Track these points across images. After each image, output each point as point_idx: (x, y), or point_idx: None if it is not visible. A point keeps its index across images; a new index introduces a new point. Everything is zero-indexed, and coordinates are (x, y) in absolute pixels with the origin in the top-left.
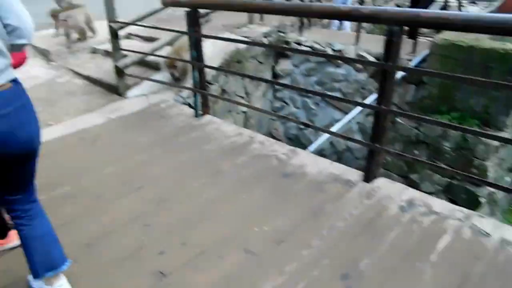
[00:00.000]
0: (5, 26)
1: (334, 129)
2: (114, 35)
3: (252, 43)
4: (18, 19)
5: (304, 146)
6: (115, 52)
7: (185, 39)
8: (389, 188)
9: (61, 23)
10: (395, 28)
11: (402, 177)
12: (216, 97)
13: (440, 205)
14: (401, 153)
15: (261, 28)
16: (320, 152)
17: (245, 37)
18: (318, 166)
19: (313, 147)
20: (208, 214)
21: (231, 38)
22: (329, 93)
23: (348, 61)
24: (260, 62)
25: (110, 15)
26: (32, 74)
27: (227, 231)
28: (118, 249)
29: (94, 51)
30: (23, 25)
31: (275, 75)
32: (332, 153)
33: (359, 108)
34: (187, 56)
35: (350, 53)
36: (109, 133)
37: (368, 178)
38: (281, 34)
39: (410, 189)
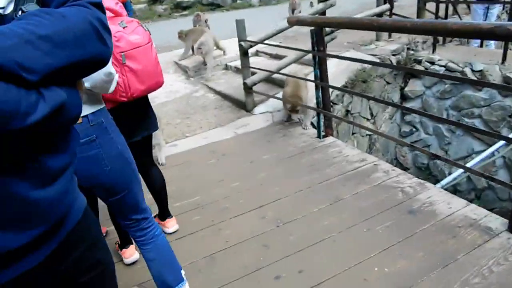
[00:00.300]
0: None
1: (472, 163)
2: (244, 53)
3: (377, 64)
4: None
5: (435, 179)
6: (244, 69)
7: (299, 82)
8: None
9: (197, 51)
10: None
11: None
12: (340, 119)
13: None
14: None
15: (389, 45)
16: (454, 188)
17: (372, 55)
18: (451, 206)
19: (445, 181)
20: (327, 243)
21: (356, 58)
22: (467, 120)
23: (491, 86)
24: (388, 82)
25: (241, 34)
26: (174, 88)
27: (346, 265)
28: (238, 266)
29: (226, 67)
30: None
31: (404, 97)
32: (469, 190)
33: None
34: (304, 94)
35: (495, 74)
36: (236, 148)
37: None
38: (411, 52)
39: None
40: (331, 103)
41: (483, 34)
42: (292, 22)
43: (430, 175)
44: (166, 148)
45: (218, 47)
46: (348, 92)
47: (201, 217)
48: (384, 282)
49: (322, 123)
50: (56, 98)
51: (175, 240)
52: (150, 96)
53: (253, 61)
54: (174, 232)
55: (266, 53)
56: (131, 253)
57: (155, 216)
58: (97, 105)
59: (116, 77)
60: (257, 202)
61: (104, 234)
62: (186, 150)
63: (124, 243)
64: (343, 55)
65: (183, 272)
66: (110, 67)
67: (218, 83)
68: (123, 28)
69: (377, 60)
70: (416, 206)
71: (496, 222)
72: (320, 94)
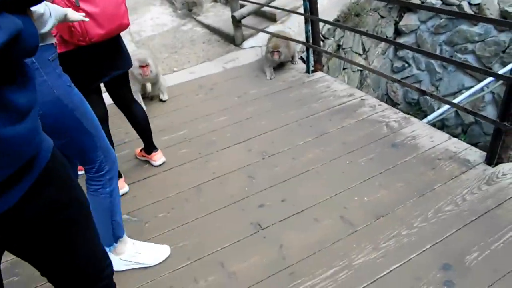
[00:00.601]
0: None
1: (461, 98)
2: None
3: None
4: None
5: (424, 114)
6: (233, 1)
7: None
8: None
9: None
10: None
11: None
12: (329, 54)
13: None
14: None
15: None
16: (442, 123)
17: None
18: (433, 140)
19: (432, 116)
20: (310, 174)
21: None
22: (460, 55)
23: (485, 21)
24: (382, 16)
25: None
26: (161, 21)
27: (327, 195)
28: (224, 196)
29: (216, 0)
30: None
31: (398, 32)
32: (456, 124)
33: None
34: (286, 47)
35: (492, 8)
36: (224, 83)
37: (491, 161)
38: None
39: None
40: (322, 38)
41: None
42: None
43: (419, 110)
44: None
45: None
46: (339, 27)
47: (188, 150)
48: (362, 210)
49: (311, 58)
50: (11, 26)
51: (162, 171)
52: (135, 28)
53: None
54: (162, 164)
55: None
56: (121, 186)
57: (141, 150)
58: None
59: (46, 17)
60: (244, 136)
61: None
62: (174, 85)
63: None
64: None
65: (127, 241)
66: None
67: (207, 16)
68: None
69: None
70: (399, 140)
71: (475, 155)
72: (310, 28)
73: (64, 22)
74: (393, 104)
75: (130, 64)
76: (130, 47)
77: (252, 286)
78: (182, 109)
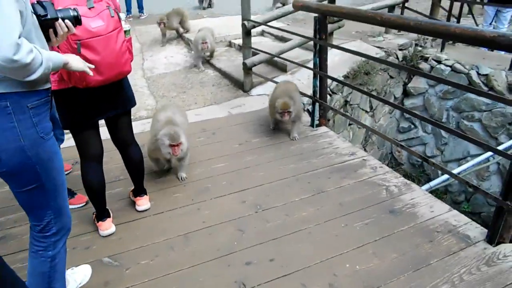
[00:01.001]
0: None
1: (463, 167)
2: (246, 33)
3: (379, 60)
4: None
5: (428, 177)
6: (245, 49)
7: (288, 86)
8: None
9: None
10: None
11: None
12: (334, 110)
13: None
14: None
15: (397, 39)
16: (446, 188)
17: (378, 47)
18: (433, 210)
19: (433, 183)
20: (302, 234)
21: (356, 51)
22: (466, 123)
23: (490, 97)
24: (391, 77)
25: (245, 13)
26: (174, 60)
27: (318, 259)
28: (211, 248)
29: (230, 44)
30: None
31: (406, 93)
32: (460, 191)
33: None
34: (297, 97)
35: (500, 80)
36: (227, 128)
37: (492, 240)
38: (419, 48)
39: None
40: (330, 92)
41: (485, 42)
42: (297, 7)
43: (423, 173)
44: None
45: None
46: (346, 85)
47: (181, 195)
48: (352, 279)
49: (317, 112)
50: None
51: (152, 215)
52: (149, 65)
53: (258, 40)
54: (145, 210)
55: (271, 34)
56: (107, 227)
57: (131, 190)
58: (4, 87)
59: (35, 66)
60: (240, 186)
61: (84, 203)
62: None
63: (100, 216)
64: (349, 44)
65: None
66: (16, 53)
67: (220, 60)
68: (89, 8)
69: (383, 53)
70: (398, 206)
71: (475, 231)
72: (318, 83)
73: (64, 69)
74: (397, 163)
75: (131, 105)
76: (141, 82)
77: None
78: None
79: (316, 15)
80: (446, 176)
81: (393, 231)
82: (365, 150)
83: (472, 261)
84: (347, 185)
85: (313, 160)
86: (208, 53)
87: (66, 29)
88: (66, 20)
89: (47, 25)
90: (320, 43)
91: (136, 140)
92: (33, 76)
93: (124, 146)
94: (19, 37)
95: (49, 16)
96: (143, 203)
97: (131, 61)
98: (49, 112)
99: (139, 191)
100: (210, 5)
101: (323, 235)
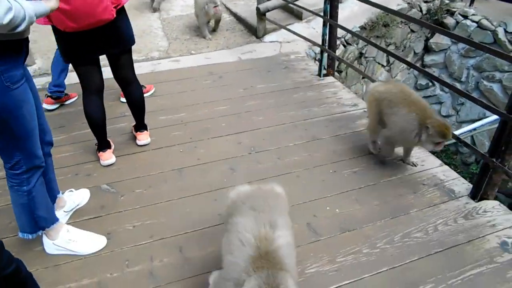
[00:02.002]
0: None
1: (472, 127)
2: None
3: (396, 13)
4: None
5: None
6: None
7: None
8: (498, 216)
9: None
10: None
11: None
12: (341, 61)
13: None
14: None
15: None
16: (456, 149)
17: None
18: (424, 164)
19: None
20: (290, 177)
21: (372, 2)
22: (486, 83)
23: (495, 54)
24: (412, 30)
25: None
26: (191, 2)
27: (301, 200)
28: (202, 183)
29: None
30: None
31: (427, 48)
32: (470, 153)
33: None
34: None
35: None
36: (235, 73)
37: (475, 196)
38: (446, 1)
39: None
40: (345, 43)
41: None
42: None
43: None
44: (167, 63)
45: None
46: (358, 37)
47: (181, 133)
48: (331, 221)
49: (325, 61)
50: None
51: (151, 149)
52: (166, 6)
53: None
54: (145, 145)
55: None
56: (107, 157)
57: (133, 125)
58: None
59: (19, 20)
60: (238, 128)
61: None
62: (187, 67)
63: (101, 146)
64: None
65: (60, 228)
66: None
67: (236, 4)
68: None
69: (405, 5)
70: (390, 159)
71: (462, 186)
72: (327, 31)
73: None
74: None
75: (130, 44)
76: (156, 23)
77: (203, 274)
78: (187, 92)
79: None
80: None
81: (380, 181)
82: None
83: (451, 213)
84: (343, 134)
85: (314, 109)
86: (218, 18)
87: None
88: None
89: None
90: None
91: (138, 78)
92: (18, 29)
93: (125, 84)
94: None
95: None
96: (143, 138)
97: (116, 5)
98: (21, 61)
99: (140, 126)
100: None
101: (310, 179)
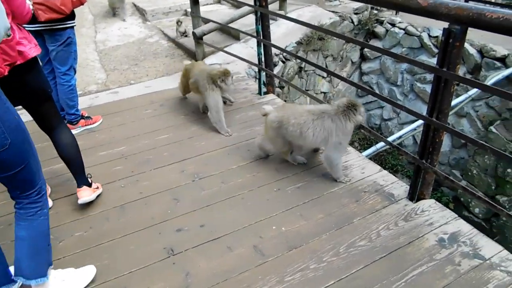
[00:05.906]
0: None
1: (411, 127)
2: (194, 2)
3: (323, 30)
4: None
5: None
6: (194, 18)
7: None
8: (434, 214)
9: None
10: (455, 28)
11: (489, 197)
12: (278, 78)
13: (492, 249)
14: (450, 177)
15: (353, 3)
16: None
17: (333, 11)
18: (364, 172)
19: (368, 152)
20: (235, 200)
21: (298, 20)
22: (419, 84)
23: (404, 60)
24: (347, 41)
25: None
26: (128, 32)
27: (246, 222)
28: (145, 218)
29: (186, 13)
30: None
31: (363, 57)
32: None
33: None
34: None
35: None
36: (176, 99)
37: (413, 197)
38: (375, 11)
39: (461, 220)
40: (284, 59)
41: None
42: None
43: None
44: (105, 95)
45: None
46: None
47: (122, 168)
48: (277, 240)
49: (263, 80)
50: None
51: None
52: (101, 37)
53: (215, 8)
54: (86, 202)
55: (228, 1)
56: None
57: None
58: None
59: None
60: (181, 156)
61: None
62: (126, 98)
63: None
64: (304, 9)
65: (51, 270)
66: None
67: (174, 30)
68: None
69: (337, 18)
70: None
71: (400, 189)
72: (262, 50)
73: None
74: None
75: (44, 96)
76: (93, 56)
77: None
78: (127, 125)
79: None
80: (379, 145)
81: (323, 193)
82: None
83: (392, 217)
84: None
85: (256, 128)
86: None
87: None
88: None
89: None
90: (260, 10)
91: (64, 123)
92: None
93: (49, 132)
94: None
95: None
96: (82, 195)
97: (10, 63)
98: None
99: (77, 180)
100: None
101: (255, 199)
